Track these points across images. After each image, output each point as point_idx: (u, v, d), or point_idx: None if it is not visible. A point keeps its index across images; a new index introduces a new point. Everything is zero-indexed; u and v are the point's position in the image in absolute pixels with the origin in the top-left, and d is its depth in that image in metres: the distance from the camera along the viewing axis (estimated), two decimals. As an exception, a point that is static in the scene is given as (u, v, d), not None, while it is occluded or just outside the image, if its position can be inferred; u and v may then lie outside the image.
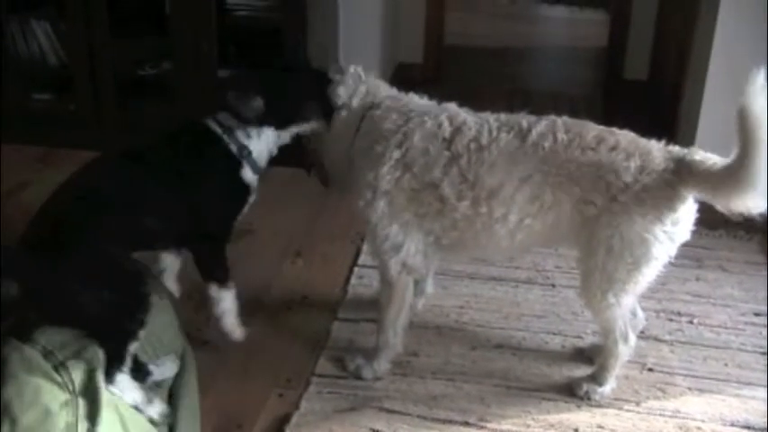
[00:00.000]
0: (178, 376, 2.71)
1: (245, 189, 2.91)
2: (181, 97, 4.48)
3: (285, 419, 2.71)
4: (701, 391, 2.90)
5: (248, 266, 3.55)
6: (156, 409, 2.56)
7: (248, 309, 3.25)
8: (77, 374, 2.12)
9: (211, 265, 2.92)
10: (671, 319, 3.27)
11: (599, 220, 2.56)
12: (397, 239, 2.73)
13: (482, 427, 2.70)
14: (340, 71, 2.83)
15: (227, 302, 2.95)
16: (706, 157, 2.53)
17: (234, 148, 2.84)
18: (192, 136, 2.86)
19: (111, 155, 2.85)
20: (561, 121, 2.64)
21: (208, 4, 4.33)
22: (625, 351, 2.79)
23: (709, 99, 3.84)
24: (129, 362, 2.43)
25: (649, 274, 2.63)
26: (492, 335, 3.16)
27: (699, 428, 2.73)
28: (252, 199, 2.96)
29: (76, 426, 2.07)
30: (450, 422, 2.72)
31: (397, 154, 2.66)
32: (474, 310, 3.30)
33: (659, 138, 2.64)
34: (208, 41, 4.36)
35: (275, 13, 4.38)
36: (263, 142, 2.88)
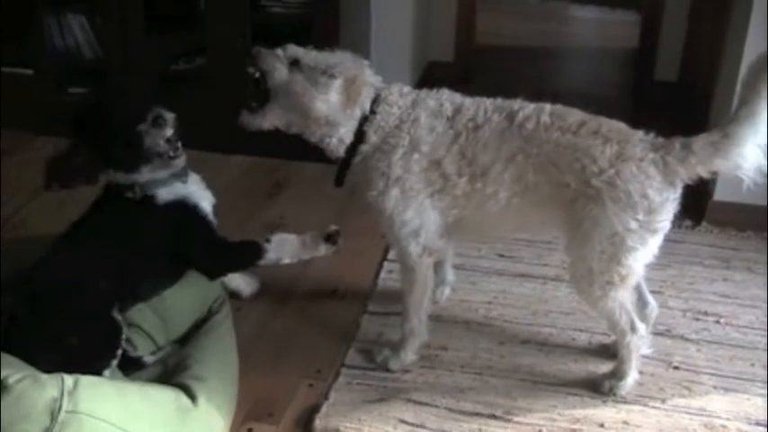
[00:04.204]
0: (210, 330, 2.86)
1: (191, 206, 2.79)
2: (214, 92, 4.53)
3: (315, 409, 2.76)
4: (727, 390, 2.91)
5: (279, 259, 3.61)
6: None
7: (279, 300, 3.32)
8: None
9: (221, 271, 2.94)
10: (697, 319, 3.28)
11: (575, 205, 2.60)
12: (415, 223, 2.76)
13: (508, 420, 2.73)
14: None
15: (273, 255, 2.90)
16: (689, 138, 2.55)
17: (139, 192, 2.72)
18: (118, 208, 2.75)
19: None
20: (549, 106, 2.71)
21: (241, 0, 4.39)
22: (636, 341, 2.78)
23: (740, 101, 3.83)
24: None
25: (633, 266, 2.63)
26: (519, 330, 3.19)
27: (724, 427, 2.74)
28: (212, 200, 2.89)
29: (61, 399, 2.18)
30: (477, 415, 2.75)
31: (407, 140, 2.72)
32: (502, 306, 3.33)
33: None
34: (241, 37, 4.41)
35: (308, 10, 4.42)
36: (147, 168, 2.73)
